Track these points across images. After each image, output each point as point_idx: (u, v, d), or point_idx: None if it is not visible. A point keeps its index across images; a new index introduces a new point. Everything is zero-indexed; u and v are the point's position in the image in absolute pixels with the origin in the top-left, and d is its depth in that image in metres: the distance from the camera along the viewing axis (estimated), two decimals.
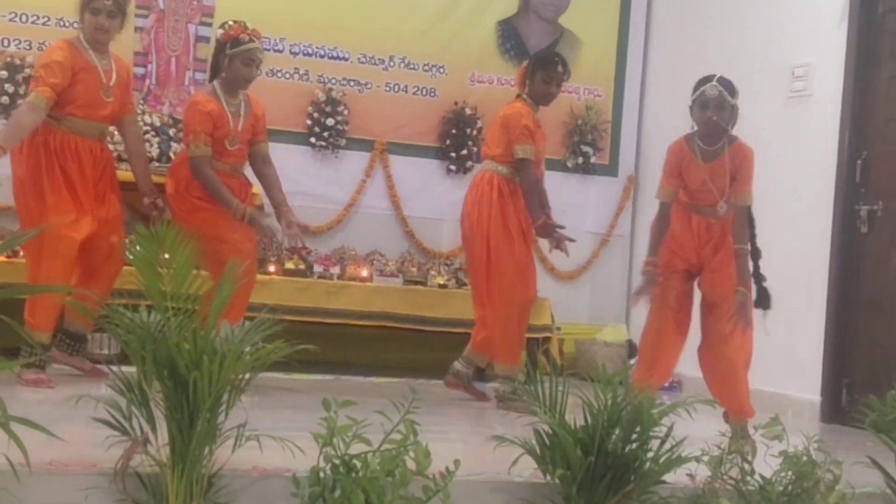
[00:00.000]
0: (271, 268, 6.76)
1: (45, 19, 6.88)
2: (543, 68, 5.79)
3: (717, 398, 4.83)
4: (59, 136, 5.24)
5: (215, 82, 5.61)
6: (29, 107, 5.11)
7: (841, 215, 6.34)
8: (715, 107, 4.93)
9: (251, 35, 5.55)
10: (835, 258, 6.35)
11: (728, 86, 4.98)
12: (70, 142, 5.26)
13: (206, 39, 7.40)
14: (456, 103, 7.91)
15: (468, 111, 7.90)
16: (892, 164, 6.14)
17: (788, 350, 6.52)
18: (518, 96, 5.95)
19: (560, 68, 5.80)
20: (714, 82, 4.95)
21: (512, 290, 5.70)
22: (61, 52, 5.22)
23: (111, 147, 5.85)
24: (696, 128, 5.07)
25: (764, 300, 5.09)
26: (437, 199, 7.86)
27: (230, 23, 5.62)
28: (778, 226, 6.71)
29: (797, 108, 6.75)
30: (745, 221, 5.03)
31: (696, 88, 5.01)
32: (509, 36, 8.09)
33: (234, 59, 5.51)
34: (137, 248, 3.12)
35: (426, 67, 7.88)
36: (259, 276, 6.50)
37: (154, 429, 3.11)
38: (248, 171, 5.90)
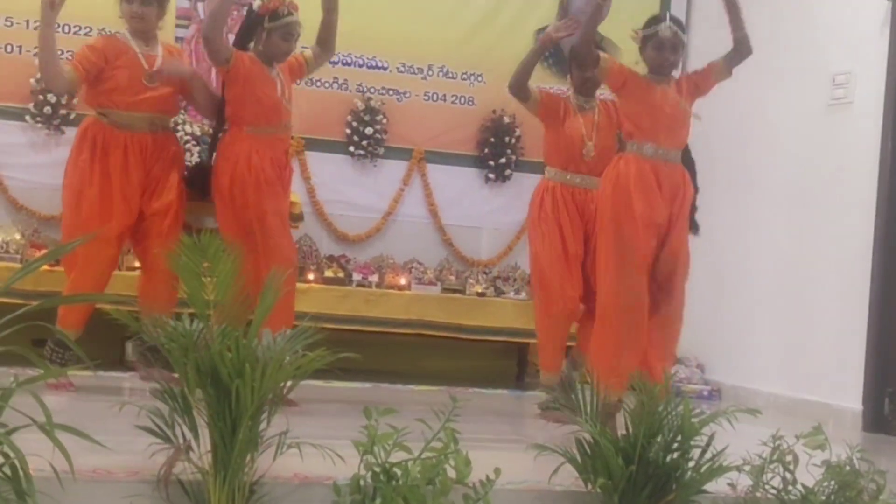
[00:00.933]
0: (311, 276, 6.79)
1: (88, 29, 6.95)
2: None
3: None
4: (106, 131, 5.25)
5: (251, 53, 5.41)
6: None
7: (884, 224, 6.27)
8: (671, 48, 4.90)
9: (290, 8, 5.40)
10: (877, 267, 6.27)
11: (680, 24, 4.97)
12: (117, 137, 5.25)
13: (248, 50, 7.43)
14: (494, 111, 7.91)
15: (507, 119, 7.90)
16: None
17: (830, 358, 6.47)
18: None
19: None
20: (668, 22, 4.92)
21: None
22: (96, 41, 5.37)
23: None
24: (644, 66, 5.01)
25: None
26: (475, 207, 7.87)
27: None
28: (819, 234, 6.67)
29: (838, 116, 6.69)
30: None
31: (647, 25, 4.97)
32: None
33: (272, 33, 5.34)
34: (181, 256, 3.15)
35: (465, 76, 7.90)
36: (298, 285, 6.54)
37: (196, 436, 3.13)
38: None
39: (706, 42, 7.33)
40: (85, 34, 6.92)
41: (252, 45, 5.42)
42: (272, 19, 5.34)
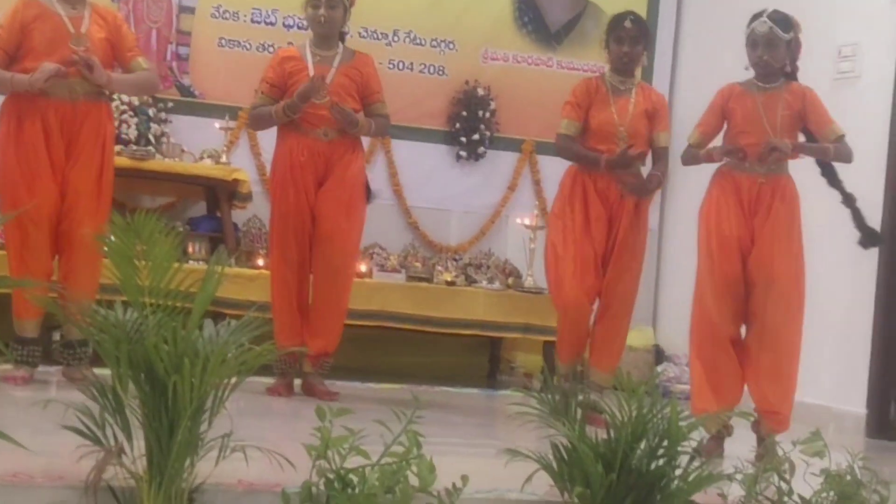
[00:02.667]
0: (260, 262, 6.75)
1: None
2: (612, 29, 5.77)
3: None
4: (25, 99, 5.17)
5: (307, 40, 5.78)
6: None
7: (891, 209, 6.34)
8: (765, 44, 4.99)
9: None
10: (884, 257, 6.34)
11: (781, 20, 5.01)
12: (36, 105, 5.16)
13: (191, 10, 7.41)
14: (467, 82, 7.91)
15: (480, 91, 7.90)
16: None
17: (832, 358, 6.51)
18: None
19: (628, 24, 5.72)
20: (764, 17, 5.00)
21: None
22: (10, 11, 5.28)
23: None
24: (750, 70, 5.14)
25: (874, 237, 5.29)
26: (445, 187, 7.89)
27: None
28: (822, 220, 6.67)
29: (844, 91, 6.72)
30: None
31: (748, 25, 5.06)
32: (527, 8, 8.08)
33: (307, 6, 5.62)
34: (112, 238, 3.11)
35: (434, 43, 7.88)
36: (246, 271, 6.53)
37: (129, 438, 3.10)
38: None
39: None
40: None
41: None
42: None
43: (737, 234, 5.02)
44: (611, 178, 5.66)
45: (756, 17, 5.03)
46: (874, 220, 6.39)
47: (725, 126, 5.19)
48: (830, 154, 5.05)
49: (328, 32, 5.64)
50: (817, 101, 5.11)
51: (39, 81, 5.04)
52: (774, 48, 4.99)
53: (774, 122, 5.03)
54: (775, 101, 5.03)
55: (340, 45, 5.73)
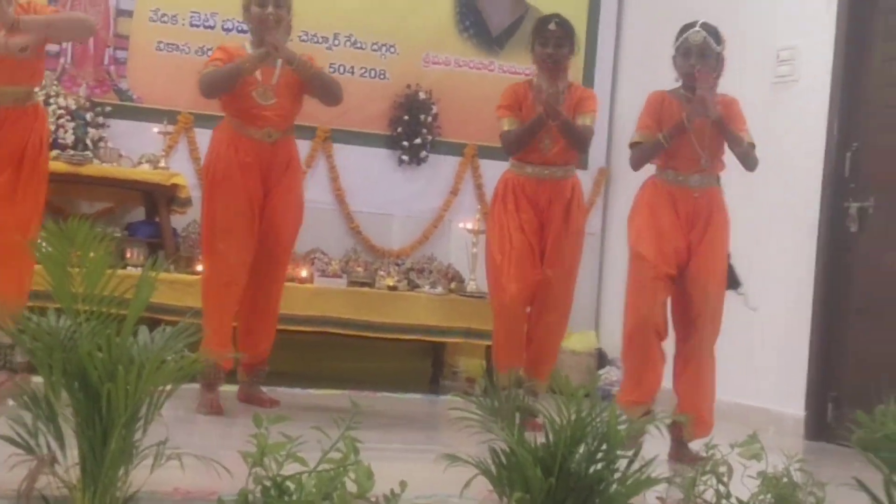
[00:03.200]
0: (199, 267, 6.70)
1: None
2: (537, 31, 5.80)
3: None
4: None
5: (246, 41, 5.63)
6: None
7: (828, 212, 6.40)
8: (698, 54, 5.05)
9: None
10: (821, 260, 6.41)
11: (713, 32, 5.09)
12: None
13: (129, 14, 7.36)
14: (408, 86, 7.91)
15: (422, 95, 7.90)
16: (885, 156, 6.19)
17: (771, 360, 6.57)
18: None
19: (553, 26, 5.73)
20: (697, 27, 5.07)
21: None
22: None
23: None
24: (679, 81, 5.20)
25: (731, 281, 5.23)
26: (386, 192, 7.88)
27: None
28: (760, 224, 6.76)
29: (782, 94, 6.80)
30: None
31: (678, 35, 5.12)
32: (468, 13, 8.11)
33: (250, 4, 5.46)
34: (45, 245, 3.08)
35: (375, 47, 7.88)
36: (185, 277, 6.48)
37: (63, 447, 3.07)
38: None
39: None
40: None
41: None
42: None
43: (674, 246, 5.09)
44: (539, 183, 5.72)
45: (688, 27, 5.10)
46: (811, 216, 6.49)
47: None
48: (744, 145, 5.12)
49: (268, 31, 5.43)
50: (739, 110, 5.20)
51: None
52: (707, 58, 5.05)
53: (703, 134, 5.09)
54: (704, 126, 5.09)
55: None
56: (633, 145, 5.29)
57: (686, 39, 5.06)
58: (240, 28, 7.26)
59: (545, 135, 5.68)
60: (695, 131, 5.07)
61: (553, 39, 5.69)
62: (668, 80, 5.32)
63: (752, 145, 5.19)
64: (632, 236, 5.22)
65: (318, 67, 5.55)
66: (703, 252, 5.09)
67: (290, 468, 3.06)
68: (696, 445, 4.89)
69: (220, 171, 5.50)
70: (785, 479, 3.57)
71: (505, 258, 5.69)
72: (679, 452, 4.92)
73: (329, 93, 5.59)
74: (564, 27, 5.75)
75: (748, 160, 5.17)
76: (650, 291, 5.07)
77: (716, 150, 5.17)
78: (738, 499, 3.59)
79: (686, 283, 5.10)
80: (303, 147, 7.49)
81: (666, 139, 5.10)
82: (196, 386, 5.37)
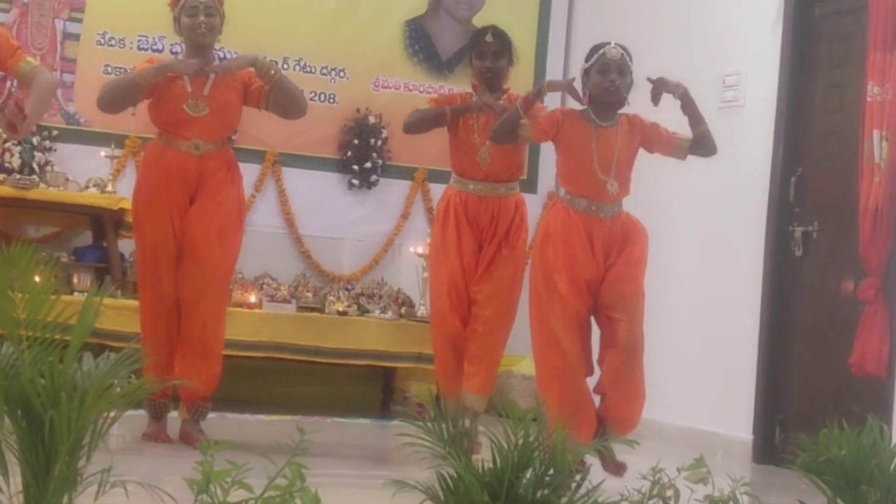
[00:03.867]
0: None
1: None
2: (473, 44, 5.70)
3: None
4: None
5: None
6: None
7: (774, 237, 6.46)
8: (617, 70, 4.87)
9: None
10: (767, 284, 6.46)
11: (627, 51, 4.94)
12: None
13: (76, 37, 7.34)
14: (358, 110, 7.93)
15: (372, 119, 7.92)
16: (828, 181, 6.26)
17: (718, 384, 6.61)
18: None
19: (489, 37, 5.58)
20: (614, 44, 4.91)
21: None
22: None
23: None
24: (590, 100, 4.97)
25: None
26: (337, 215, 7.88)
27: None
28: (706, 248, 6.83)
29: (728, 119, 6.83)
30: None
31: (592, 53, 4.94)
32: (418, 37, 8.14)
33: (180, 17, 5.37)
34: None
35: (325, 71, 7.89)
36: (132, 303, 6.42)
37: (6, 474, 3.04)
38: None
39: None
40: None
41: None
42: (176, 5, 5.41)
43: (586, 278, 4.90)
44: (482, 200, 5.59)
45: (603, 44, 4.94)
46: (756, 240, 6.53)
47: (556, 152, 5.12)
48: (705, 124, 5.06)
49: (205, 42, 5.38)
50: (654, 125, 5.04)
51: None
52: (624, 76, 4.90)
53: (610, 164, 4.93)
54: (610, 139, 4.94)
55: (216, 57, 5.50)
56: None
57: (604, 55, 4.88)
58: None
59: (480, 146, 5.54)
60: (598, 158, 4.91)
61: (490, 53, 5.57)
62: None
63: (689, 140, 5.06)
64: (544, 266, 4.98)
65: (281, 73, 5.43)
66: (617, 266, 4.92)
67: (236, 495, 3.04)
68: (644, 468, 4.90)
69: (144, 194, 5.35)
70: (731, 503, 3.59)
71: (443, 287, 5.56)
72: (603, 460, 4.76)
73: (293, 100, 5.45)
74: (501, 38, 5.62)
75: (707, 141, 5.04)
76: (569, 327, 4.89)
77: (623, 177, 4.99)
78: None
79: (601, 297, 4.92)
80: (252, 170, 7.53)
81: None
82: (142, 412, 5.32)
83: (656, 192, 7.21)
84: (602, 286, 4.92)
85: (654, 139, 5.05)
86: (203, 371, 5.27)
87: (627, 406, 4.91)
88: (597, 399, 5.00)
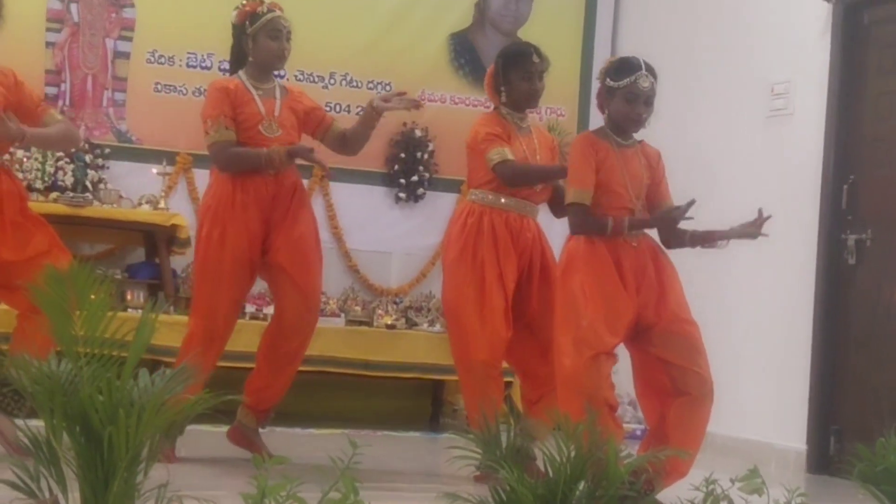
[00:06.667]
0: None
1: None
2: (517, 65, 5.37)
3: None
4: None
5: (240, 72, 5.36)
6: None
7: (826, 245, 6.43)
8: (645, 102, 4.66)
9: (269, 6, 5.32)
10: (820, 292, 6.43)
11: (655, 75, 4.71)
12: None
13: (126, 56, 7.42)
14: (405, 124, 7.96)
15: (418, 133, 7.96)
16: (881, 188, 6.24)
17: (771, 394, 6.58)
18: (494, 108, 5.51)
19: (536, 58, 5.37)
20: (644, 71, 4.65)
21: None
22: None
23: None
24: (609, 119, 4.78)
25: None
26: (384, 230, 7.91)
27: (242, 1, 5.38)
28: (757, 257, 6.79)
29: (777, 128, 6.84)
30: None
31: (620, 74, 4.66)
32: (463, 50, 8.17)
33: (257, 36, 5.28)
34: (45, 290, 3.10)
35: (371, 85, 7.94)
36: (185, 319, 6.46)
37: (65, 490, 3.08)
38: None
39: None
40: None
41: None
42: (252, 22, 5.31)
43: (628, 317, 4.62)
44: (523, 219, 5.33)
45: (634, 67, 4.67)
46: (809, 249, 6.50)
47: None
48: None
49: (281, 67, 5.46)
50: (664, 168, 4.87)
51: None
52: (650, 106, 4.68)
53: (638, 185, 4.74)
54: (635, 160, 4.74)
55: (275, 78, 5.48)
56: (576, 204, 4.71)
57: (635, 84, 4.62)
58: None
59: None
60: (630, 178, 4.70)
61: (537, 73, 5.37)
62: (661, 115, 5.14)
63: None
64: (571, 301, 4.66)
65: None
66: (667, 304, 4.66)
67: None
68: (697, 479, 4.87)
69: (216, 212, 5.25)
70: None
71: (476, 315, 5.20)
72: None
73: (357, 144, 5.58)
74: (545, 59, 5.43)
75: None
76: (595, 366, 4.53)
77: (644, 194, 4.79)
78: None
79: (654, 339, 4.66)
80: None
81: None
82: (197, 427, 5.32)
83: (709, 201, 7.20)
84: (652, 331, 4.65)
85: (661, 182, 4.84)
86: (281, 380, 5.32)
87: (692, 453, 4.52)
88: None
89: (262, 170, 5.21)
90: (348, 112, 7.83)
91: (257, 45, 5.32)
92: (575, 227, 4.74)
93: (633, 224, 4.67)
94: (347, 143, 5.54)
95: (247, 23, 5.32)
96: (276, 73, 5.53)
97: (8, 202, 5.00)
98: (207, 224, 5.27)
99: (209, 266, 5.25)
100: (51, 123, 5.06)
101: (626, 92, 4.65)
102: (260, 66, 5.36)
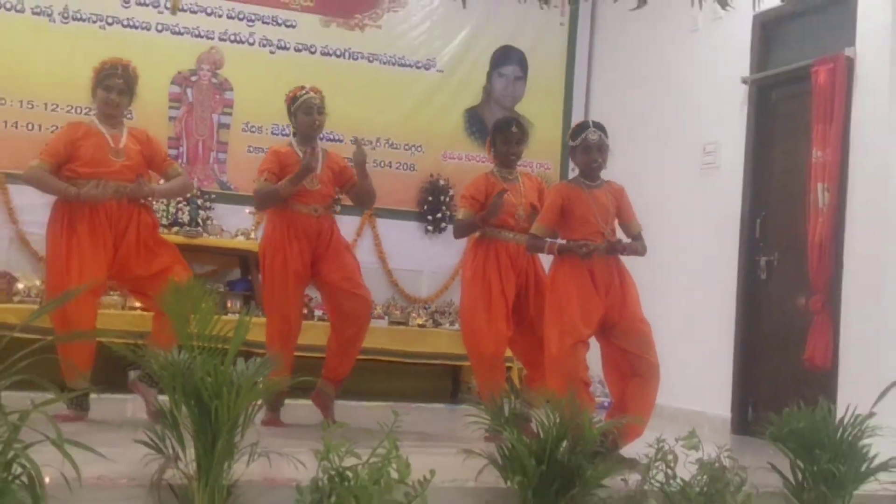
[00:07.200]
0: None
1: (54, 106, 6.96)
2: (500, 133, 5.30)
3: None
4: (75, 203, 4.83)
5: (292, 138, 5.37)
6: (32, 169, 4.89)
7: (745, 265, 6.38)
8: (597, 149, 4.62)
9: (308, 90, 5.32)
10: (740, 300, 6.38)
11: (603, 129, 4.68)
12: (83, 206, 4.85)
13: (227, 126, 7.47)
14: (432, 175, 7.97)
15: (442, 182, 7.97)
16: (784, 221, 6.18)
17: (704, 374, 6.54)
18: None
19: (514, 128, 5.29)
20: (592, 128, 4.63)
21: None
22: (59, 132, 5.09)
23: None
24: (575, 170, 4.79)
25: None
26: (417, 254, 7.91)
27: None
28: (693, 274, 6.78)
29: (707, 177, 6.82)
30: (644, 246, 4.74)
31: (576, 134, 4.66)
32: (475, 121, 8.17)
33: (296, 112, 5.28)
34: (170, 300, 3.14)
35: (406, 147, 7.95)
36: (265, 320, 6.45)
37: (183, 448, 3.11)
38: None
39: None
40: (52, 110, 6.90)
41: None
42: (293, 101, 5.32)
43: (598, 315, 4.55)
44: (518, 248, 5.17)
45: (583, 127, 4.67)
46: (732, 267, 6.45)
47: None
48: (641, 252, 4.72)
49: (317, 135, 5.35)
50: (628, 198, 4.78)
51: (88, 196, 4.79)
52: (603, 152, 4.63)
53: (606, 215, 4.65)
54: (602, 196, 4.69)
55: (318, 143, 5.40)
56: (533, 235, 4.71)
57: (586, 139, 4.59)
58: None
59: (518, 206, 5.26)
60: (598, 210, 4.62)
61: (514, 139, 5.29)
62: (619, 165, 5.00)
63: (640, 233, 4.75)
64: (556, 304, 4.60)
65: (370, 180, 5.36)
66: (627, 307, 4.60)
67: (349, 461, 3.09)
68: (649, 440, 4.84)
69: (276, 242, 5.21)
70: (717, 464, 3.58)
71: (485, 319, 5.13)
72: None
73: (366, 198, 5.41)
74: (522, 129, 5.34)
75: (640, 251, 4.72)
76: (574, 352, 4.48)
77: (612, 221, 4.71)
78: (682, 479, 3.60)
79: (616, 334, 4.59)
80: (354, 222, 7.62)
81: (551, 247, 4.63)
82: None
83: (657, 231, 7.19)
84: (616, 327, 4.58)
85: (625, 209, 4.77)
86: (348, 358, 5.33)
87: (645, 420, 4.47)
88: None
89: (281, 198, 5.14)
90: (390, 167, 7.86)
91: (297, 119, 5.30)
92: (529, 247, 4.85)
93: (562, 248, 4.60)
94: (359, 196, 5.43)
95: (291, 104, 5.34)
96: (319, 137, 5.40)
97: (143, 230, 5.03)
98: (270, 253, 5.23)
99: (277, 284, 5.20)
100: (173, 175, 5.16)
101: (581, 146, 4.64)
102: (301, 134, 5.32)
